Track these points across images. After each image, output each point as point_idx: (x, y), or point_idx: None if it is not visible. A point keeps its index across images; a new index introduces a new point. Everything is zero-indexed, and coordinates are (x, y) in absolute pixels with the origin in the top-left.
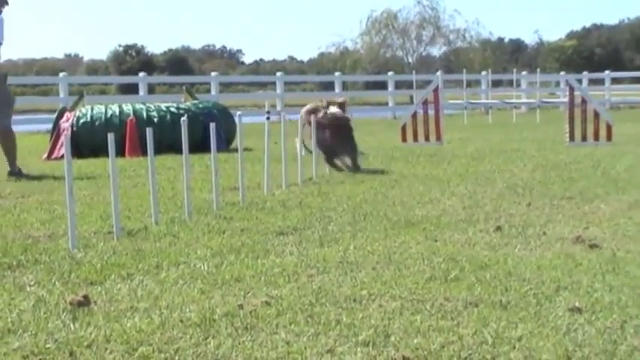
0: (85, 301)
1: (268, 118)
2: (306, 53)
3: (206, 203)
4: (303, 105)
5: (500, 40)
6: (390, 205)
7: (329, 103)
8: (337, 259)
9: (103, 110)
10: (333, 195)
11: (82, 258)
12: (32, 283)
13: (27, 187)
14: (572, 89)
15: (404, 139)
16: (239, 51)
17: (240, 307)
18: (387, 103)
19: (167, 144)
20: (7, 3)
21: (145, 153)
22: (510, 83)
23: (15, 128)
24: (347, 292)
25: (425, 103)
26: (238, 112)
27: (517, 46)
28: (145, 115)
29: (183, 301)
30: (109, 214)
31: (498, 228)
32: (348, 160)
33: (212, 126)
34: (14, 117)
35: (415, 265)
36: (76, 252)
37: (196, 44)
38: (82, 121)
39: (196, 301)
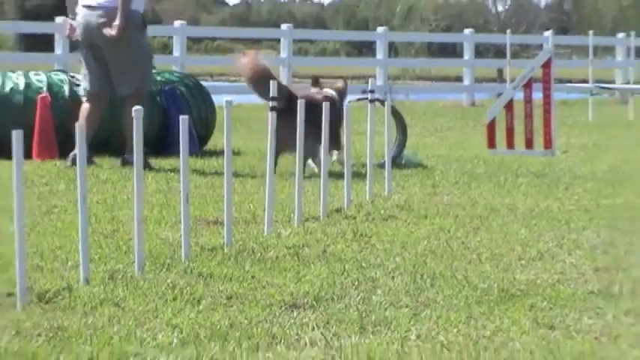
0: None
1: (274, 109)
2: None
3: (168, 247)
4: (321, 77)
5: None
6: (473, 261)
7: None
8: (391, 356)
9: None
10: (377, 240)
11: None
12: None
13: None
14: None
15: (491, 145)
16: None
17: None
18: (460, 79)
19: (100, 139)
20: None
21: (63, 153)
22: None
23: None
24: None
25: (527, 84)
26: (226, 98)
27: None
28: (66, 90)
29: None
30: (8, 261)
31: None
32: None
33: (183, 120)
34: None
35: None
36: None
37: None
38: None
39: None
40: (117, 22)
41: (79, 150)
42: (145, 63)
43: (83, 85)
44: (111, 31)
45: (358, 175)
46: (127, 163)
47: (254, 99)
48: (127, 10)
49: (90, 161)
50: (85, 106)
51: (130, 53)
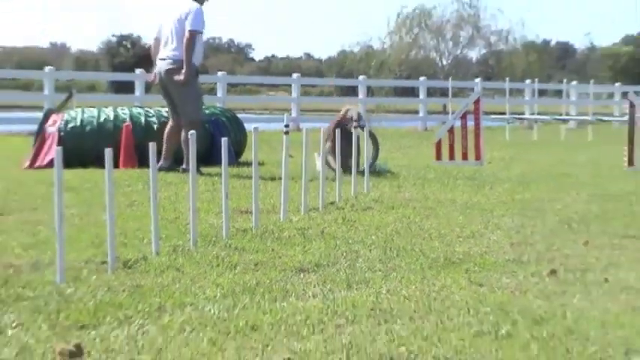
0: (77, 352)
1: (287, 133)
2: (324, 51)
3: (213, 229)
4: (320, 111)
5: (546, 42)
6: (426, 238)
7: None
8: (368, 305)
9: (95, 114)
10: (359, 224)
11: (72, 294)
12: (14, 325)
13: (6, 202)
14: (632, 106)
15: (438, 158)
16: (248, 45)
17: None
18: (416, 112)
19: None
20: None
21: (141, 164)
22: (557, 93)
23: None
24: (382, 349)
25: (463, 116)
26: (254, 126)
27: (565, 50)
28: (143, 121)
29: (191, 355)
30: (102, 239)
31: (553, 272)
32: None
33: (224, 141)
34: None
35: (460, 316)
36: (65, 286)
37: None
38: (70, 125)
39: (207, 355)
40: (183, 71)
41: (152, 162)
42: (197, 100)
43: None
44: (179, 77)
45: (345, 178)
46: (185, 171)
47: (274, 127)
48: (190, 63)
49: (177, 168)
50: (167, 128)
51: (187, 93)
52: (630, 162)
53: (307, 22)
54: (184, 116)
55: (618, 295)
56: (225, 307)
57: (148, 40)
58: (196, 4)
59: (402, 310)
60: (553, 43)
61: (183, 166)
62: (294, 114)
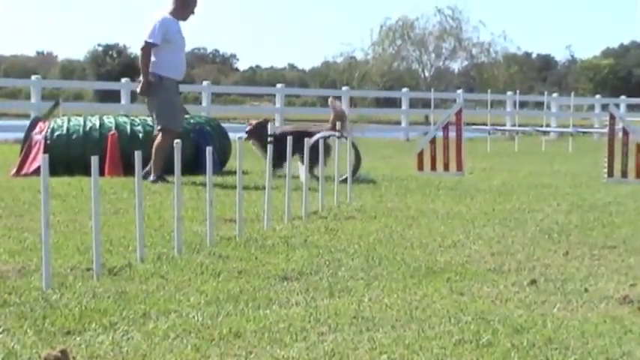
0: (63, 357)
1: (271, 143)
2: (308, 61)
3: (198, 237)
4: (304, 121)
5: (528, 55)
6: (407, 247)
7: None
8: (350, 313)
9: (82, 122)
10: (342, 233)
11: (58, 300)
12: (0, 330)
13: None
14: (612, 118)
15: (420, 168)
16: (233, 56)
17: None
18: (399, 123)
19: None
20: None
21: (126, 172)
22: (538, 105)
23: None
24: (364, 356)
25: (445, 127)
26: (238, 136)
27: (546, 62)
28: (128, 129)
29: None
30: (88, 246)
31: (533, 281)
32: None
33: (208, 150)
34: None
35: (441, 325)
36: (51, 292)
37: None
38: (56, 133)
39: None
40: (141, 83)
41: (137, 170)
42: (165, 108)
43: None
44: (137, 88)
45: (328, 187)
46: (147, 177)
47: None
48: (146, 74)
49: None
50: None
51: (153, 102)
52: (610, 173)
53: (291, 33)
54: (156, 124)
55: (598, 305)
56: (209, 314)
57: (133, 49)
58: (160, 15)
59: (383, 318)
60: (534, 55)
61: (147, 170)
62: (277, 124)
